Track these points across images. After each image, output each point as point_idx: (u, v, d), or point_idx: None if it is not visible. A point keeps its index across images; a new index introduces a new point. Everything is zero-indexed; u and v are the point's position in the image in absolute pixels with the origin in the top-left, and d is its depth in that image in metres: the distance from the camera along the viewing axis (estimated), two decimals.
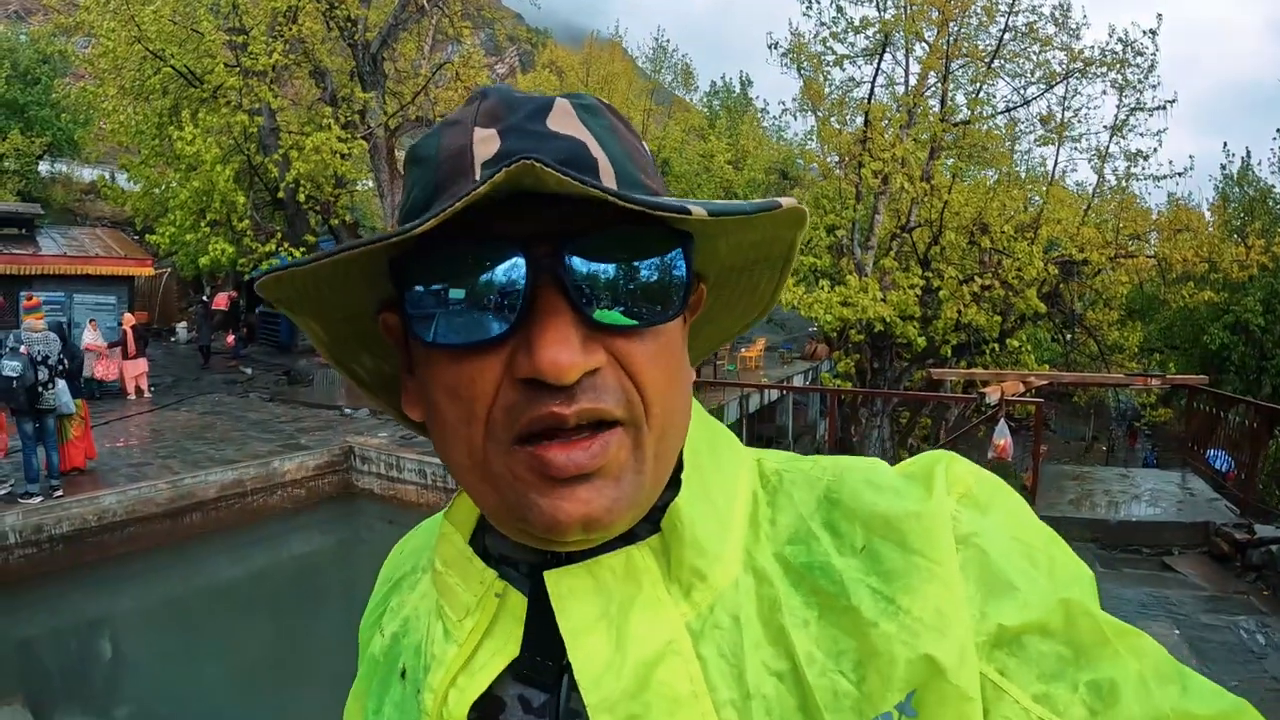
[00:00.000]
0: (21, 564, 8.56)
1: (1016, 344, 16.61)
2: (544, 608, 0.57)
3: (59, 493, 9.09)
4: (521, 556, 0.61)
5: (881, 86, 17.38)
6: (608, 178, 0.53)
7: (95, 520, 9.18)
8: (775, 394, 22.61)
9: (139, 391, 16.33)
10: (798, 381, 25.00)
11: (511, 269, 0.50)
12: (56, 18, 18.24)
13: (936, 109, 16.63)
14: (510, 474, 0.53)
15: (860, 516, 0.56)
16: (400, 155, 21.80)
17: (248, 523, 10.69)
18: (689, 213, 0.47)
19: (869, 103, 16.70)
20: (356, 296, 0.59)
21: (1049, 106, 16.97)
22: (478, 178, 0.52)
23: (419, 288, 0.53)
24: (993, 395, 10.32)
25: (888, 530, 0.55)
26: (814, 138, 19.89)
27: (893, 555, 0.54)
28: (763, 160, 30.58)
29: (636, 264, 0.52)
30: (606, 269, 0.51)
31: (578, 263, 0.50)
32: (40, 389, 8.55)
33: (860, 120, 16.86)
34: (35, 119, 31.80)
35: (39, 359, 8.50)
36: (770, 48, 18.22)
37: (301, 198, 17.52)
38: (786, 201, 0.53)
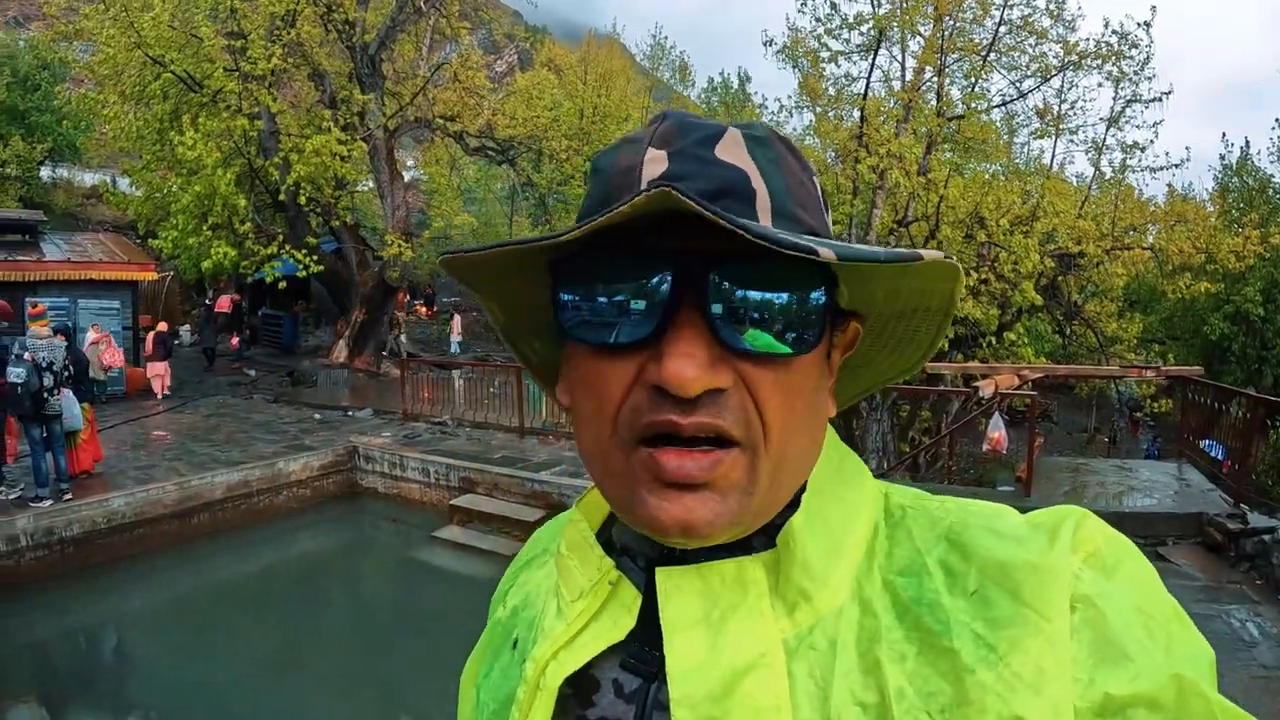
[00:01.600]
0: (33, 565, 8.67)
1: (1014, 337, 16.61)
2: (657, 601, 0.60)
3: (68, 496, 9.20)
4: (641, 549, 0.63)
5: (878, 82, 17.42)
6: (763, 210, 0.56)
7: (104, 522, 9.29)
8: None
9: (161, 390, 16.90)
10: None
11: (658, 281, 0.53)
12: (56, 24, 18.28)
13: (933, 103, 16.66)
14: (628, 469, 0.56)
15: (977, 560, 0.56)
16: (400, 156, 21.90)
17: (254, 523, 10.81)
18: (816, 254, 0.48)
19: (865, 98, 16.73)
20: (529, 288, 0.63)
21: (1045, 99, 17.00)
22: None
23: (572, 287, 0.57)
24: (986, 389, 10.39)
25: (1002, 577, 0.55)
26: (812, 133, 19.87)
27: (1003, 603, 0.54)
28: None
29: (777, 295, 0.54)
30: (748, 295, 0.53)
31: (720, 285, 0.53)
32: (46, 395, 8.65)
33: (857, 115, 16.91)
34: (36, 125, 31.85)
35: (44, 365, 8.60)
36: (766, 45, 18.28)
37: (302, 200, 17.64)
38: (930, 254, 0.53)
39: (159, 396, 16.75)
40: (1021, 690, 0.50)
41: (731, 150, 0.57)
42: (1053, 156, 17.58)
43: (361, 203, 23.07)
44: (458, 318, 24.58)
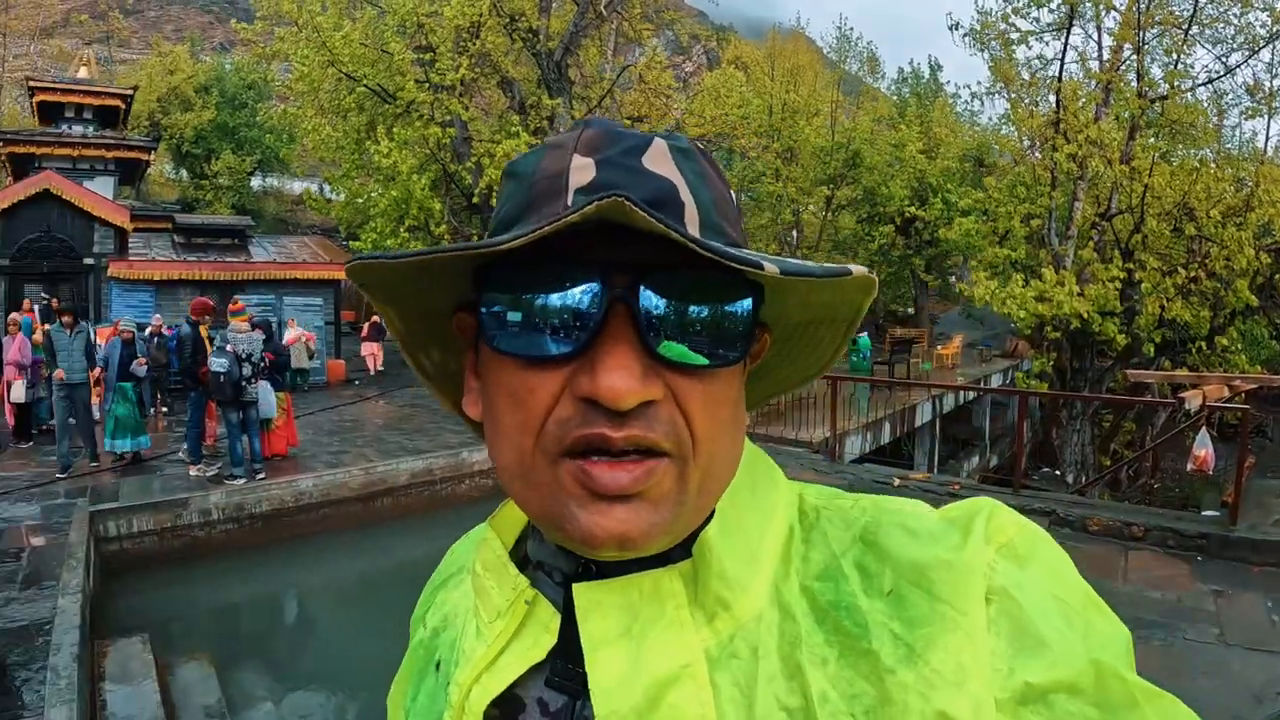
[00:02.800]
0: (222, 537, 9.60)
1: (1227, 342, 15.23)
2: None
3: (261, 475, 10.19)
4: (557, 565, 0.63)
5: (1073, 62, 16.50)
6: (692, 221, 0.56)
7: (292, 501, 10.15)
8: (970, 394, 21.88)
9: (374, 367, 20.78)
10: (995, 381, 24.07)
11: (588, 293, 0.53)
12: (256, 48, 20.10)
13: (1133, 84, 15.57)
14: (555, 483, 0.54)
15: (892, 560, 0.57)
16: None
17: (436, 509, 11.33)
18: (763, 268, 0.49)
19: (1059, 81, 15.89)
20: (436, 295, 0.63)
21: (1255, 75, 15.60)
22: (569, 202, 0.55)
23: (498, 296, 0.56)
24: (1193, 401, 9.59)
25: (917, 576, 0.56)
26: (1007, 122, 19.06)
27: (919, 602, 0.55)
28: (956, 148, 29.54)
29: (706, 307, 0.54)
30: (678, 307, 0.53)
31: (651, 297, 0.53)
32: (244, 383, 9.63)
33: (1052, 100, 16.11)
34: (245, 140, 35.58)
35: (243, 356, 9.60)
36: (952, 29, 17.72)
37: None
38: (857, 269, 0.55)
39: (371, 372, 20.24)
40: (942, 687, 0.51)
41: (659, 161, 0.57)
42: (1266, 138, 16.10)
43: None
44: None
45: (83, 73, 25.62)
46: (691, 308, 0.54)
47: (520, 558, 0.67)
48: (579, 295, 0.53)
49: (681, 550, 0.59)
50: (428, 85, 18.33)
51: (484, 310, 0.57)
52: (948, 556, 0.56)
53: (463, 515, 11.39)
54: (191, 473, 10.40)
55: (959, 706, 0.50)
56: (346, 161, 20.07)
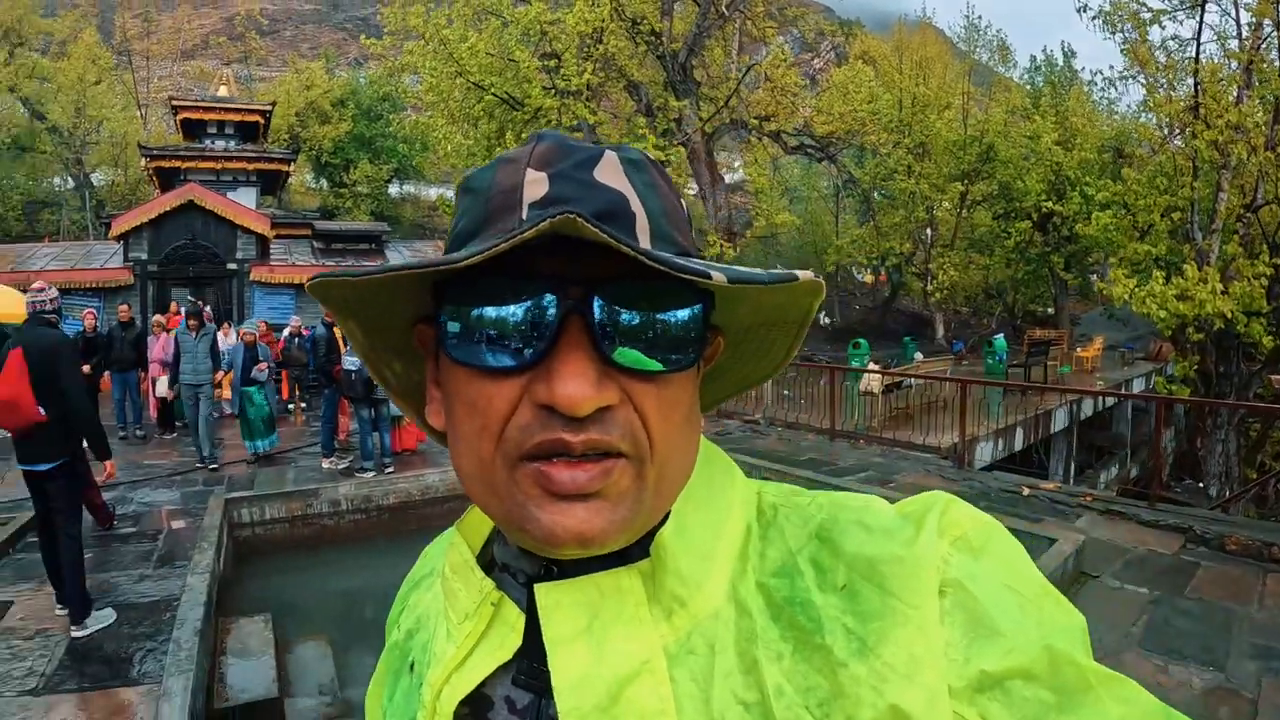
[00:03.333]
0: (350, 527, 10.00)
1: None
2: None
3: (390, 469, 10.66)
4: (521, 566, 0.65)
5: (1210, 42, 15.67)
6: (642, 232, 0.58)
7: (419, 495, 10.45)
8: (1111, 400, 20.94)
9: None
10: (1137, 386, 23.04)
11: (544, 304, 0.55)
12: (387, 61, 21.01)
13: (1276, 63, 14.67)
14: (515, 487, 0.57)
15: (845, 555, 0.59)
16: (727, 158, 22.78)
17: None
18: (710, 278, 0.51)
19: (1196, 62, 15.13)
20: (396, 309, 0.66)
21: None
22: (524, 216, 0.57)
23: (456, 309, 0.58)
24: None
25: (869, 571, 0.57)
26: (1144, 109, 18.24)
27: (871, 596, 0.56)
28: (1094, 138, 28.25)
29: (658, 315, 0.56)
30: (630, 315, 0.55)
31: (604, 306, 0.55)
32: (375, 382, 10.15)
33: (1190, 83, 15.34)
34: (381, 149, 37.29)
35: None
36: (1080, 10, 17.09)
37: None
38: (804, 275, 0.56)
39: None
40: (894, 680, 0.53)
41: (610, 173, 0.59)
42: None
43: (689, 206, 24.20)
44: None
45: (223, 91, 27.51)
46: (643, 316, 0.56)
47: (487, 561, 0.71)
48: (535, 307, 0.55)
49: (640, 550, 0.61)
50: (554, 91, 18.82)
51: (442, 322, 0.59)
52: (900, 551, 0.58)
53: None
54: (324, 465, 10.93)
55: (911, 698, 0.52)
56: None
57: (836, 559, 0.59)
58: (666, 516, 0.62)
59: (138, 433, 12.92)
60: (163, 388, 12.44)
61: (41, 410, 5.51)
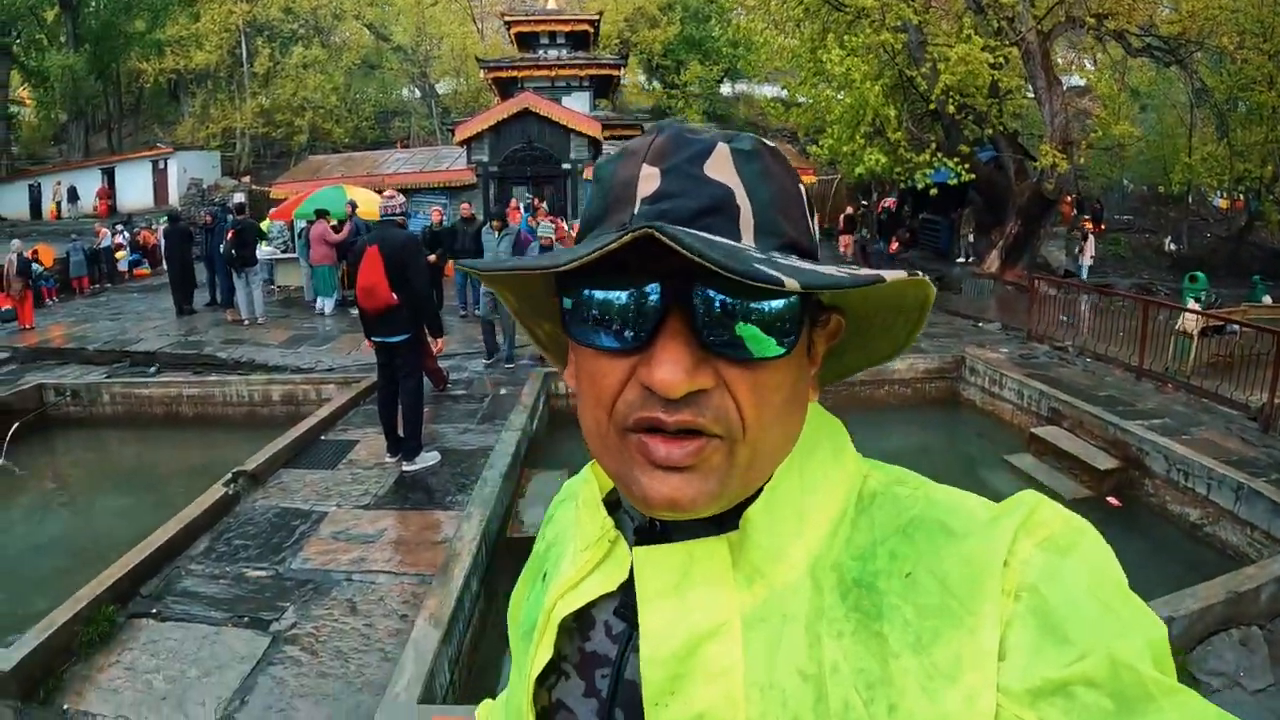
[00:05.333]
0: None
1: None
2: None
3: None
4: (634, 514, 0.75)
5: None
6: (746, 225, 0.63)
7: None
8: None
9: None
10: None
11: (648, 294, 0.61)
12: None
13: None
14: (624, 451, 0.65)
15: (920, 552, 0.63)
16: (1057, 60, 20.70)
17: (852, 410, 11.20)
18: (782, 284, 0.53)
19: None
20: (537, 281, 0.78)
21: None
22: (637, 210, 0.64)
23: (573, 296, 0.65)
24: None
25: (936, 569, 0.61)
26: None
27: (932, 593, 0.60)
28: None
29: (756, 305, 0.61)
30: (728, 305, 0.60)
31: (705, 297, 0.60)
32: None
33: None
34: (711, 50, 38.06)
35: None
36: None
37: (951, 109, 17.85)
38: (891, 276, 0.57)
39: None
40: (939, 679, 0.57)
41: (720, 167, 0.64)
42: None
43: (1029, 110, 22.29)
44: (1091, 240, 22.49)
45: (552, 4, 29.45)
46: (741, 305, 0.61)
47: (612, 500, 0.79)
48: (640, 296, 0.61)
49: (734, 519, 0.67)
50: None
51: (562, 305, 0.67)
52: (968, 552, 0.61)
53: (873, 420, 11.36)
54: None
55: (951, 699, 0.56)
56: (803, 70, 20.38)
57: (912, 553, 0.63)
58: (762, 489, 0.68)
59: (476, 312, 14.28)
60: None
61: (394, 295, 6.80)
